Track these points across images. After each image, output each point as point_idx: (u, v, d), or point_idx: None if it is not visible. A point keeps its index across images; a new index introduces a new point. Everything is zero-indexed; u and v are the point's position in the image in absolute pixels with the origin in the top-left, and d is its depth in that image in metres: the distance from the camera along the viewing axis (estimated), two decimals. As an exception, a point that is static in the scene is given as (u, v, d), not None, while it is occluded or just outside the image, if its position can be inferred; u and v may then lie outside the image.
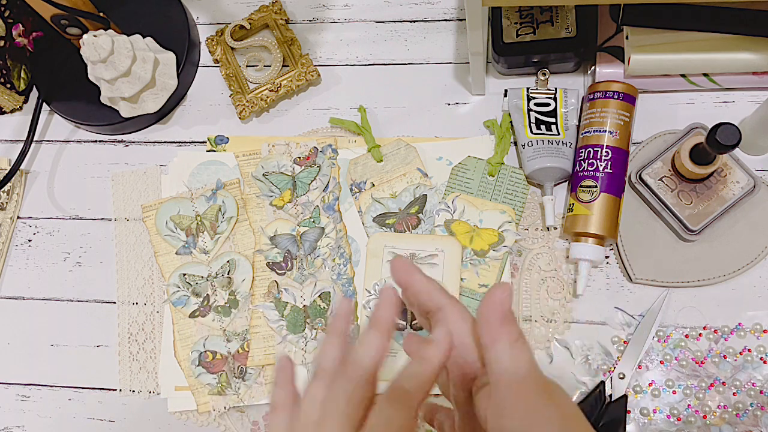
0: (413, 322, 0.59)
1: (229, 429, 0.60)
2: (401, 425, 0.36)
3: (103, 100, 0.66)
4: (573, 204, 0.58)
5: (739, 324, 0.57)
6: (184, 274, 0.63)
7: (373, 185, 0.64)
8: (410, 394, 0.36)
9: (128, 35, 0.64)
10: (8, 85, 0.70)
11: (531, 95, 0.62)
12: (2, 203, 0.69)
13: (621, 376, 0.56)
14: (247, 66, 0.69)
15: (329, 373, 0.38)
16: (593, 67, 0.62)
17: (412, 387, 0.36)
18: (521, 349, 0.35)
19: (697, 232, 0.56)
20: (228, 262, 0.63)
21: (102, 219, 0.68)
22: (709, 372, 0.56)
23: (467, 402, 0.39)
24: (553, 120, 0.61)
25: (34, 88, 0.73)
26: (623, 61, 0.61)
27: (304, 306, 0.61)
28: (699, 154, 0.55)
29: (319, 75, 0.67)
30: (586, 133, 0.59)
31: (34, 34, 0.72)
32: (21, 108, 0.74)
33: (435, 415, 0.47)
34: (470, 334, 0.38)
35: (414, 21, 0.69)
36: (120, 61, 0.62)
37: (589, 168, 0.58)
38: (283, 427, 0.38)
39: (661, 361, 0.57)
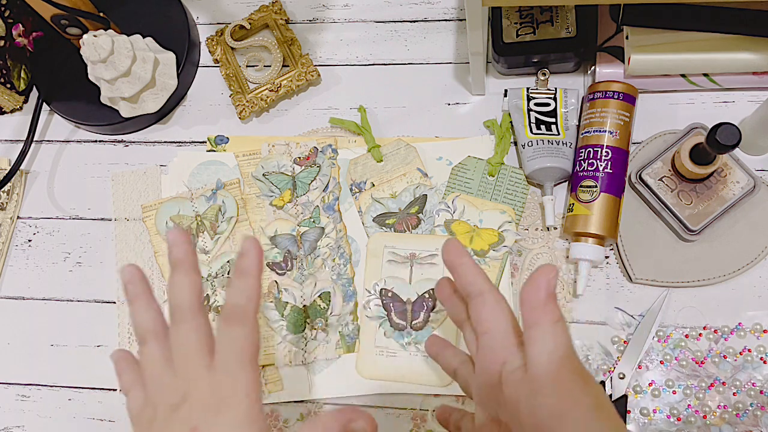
0: (413, 322, 0.59)
1: (229, 429, 0.60)
2: (245, 338, 0.36)
3: (103, 100, 0.66)
4: (573, 204, 0.58)
5: (739, 324, 0.57)
6: (184, 274, 0.63)
7: (373, 185, 0.64)
8: (243, 308, 0.37)
9: (128, 35, 0.64)
10: (8, 85, 0.70)
11: (531, 95, 0.62)
12: (2, 203, 0.69)
13: (621, 376, 0.56)
14: (247, 66, 0.69)
15: (151, 332, 0.39)
16: (593, 67, 0.62)
17: (241, 301, 0.37)
18: (562, 330, 0.36)
19: (697, 232, 0.56)
20: (228, 262, 0.63)
21: (102, 219, 0.68)
22: (709, 372, 0.56)
23: (489, 395, 0.40)
24: (553, 120, 0.61)
25: (34, 88, 0.73)
26: (623, 61, 0.61)
27: (304, 306, 0.61)
28: (699, 154, 0.55)
29: (319, 75, 0.67)
30: (586, 133, 0.59)
31: (34, 34, 0.72)
32: (21, 108, 0.74)
33: (451, 416, 0.48)
34: (504, 321, 0.40)
35: (414, 21, 0.69)
36: (120, 61, 0.62)
37: (589, 168, 0.58)
38: (140, 400, 0.38)
39: (661, 361, 0.57)
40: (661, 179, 0.58)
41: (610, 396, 0.56)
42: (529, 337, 0.36)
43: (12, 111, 0.73)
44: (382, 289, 0.60)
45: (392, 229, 0.62)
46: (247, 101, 0.67)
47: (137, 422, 0.38)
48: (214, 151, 0.68)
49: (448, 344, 0.49)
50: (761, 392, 0.55)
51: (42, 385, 0.65)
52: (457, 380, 0.47)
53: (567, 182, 0.62)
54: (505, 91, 0.63)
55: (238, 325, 0.36)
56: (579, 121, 0.61)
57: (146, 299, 0.40)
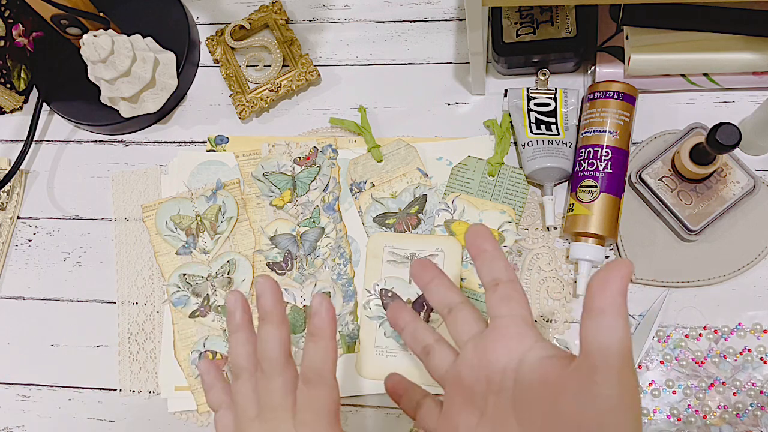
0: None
1: (229, 429, 0.60)
2: (324, 399, 0.38)
3: (103, 100, 0.66)
4: (573, 204, 0.58)
5: (739, 324, 0.57)
6: (184, 274, 0.64)
7: (373, 185, 0.64)
8: (319, 370, 0.38)
9: (128, 35, 0.64)
10: (8, 85, 0.70)
11: (531, 95, 0.62)
12: (2, 203, 0.69)
13: (621, 376, 0.56)
14: (247, 66, 0.69)
15: (246, 368, 0.40)
16: (593, 67, 0.62)
17: (317, 363, 0.38)
18: (627, 325, 0.33)
19: (697, 232, 0.56)
20: (228, 262, 0.63)
21: (102, 219, 0.68)
22: (709, 372, 0.56)
23: (487, 384, 0.38)
24: (553, 120, 0.61)
25: (34, 88, 0.73)
26: (623, 61, 0.61)
27: (304, 306, 0.61)
28: (699, 154, 0.55)
29: (319, 75, 0.67)
30: (586, 133, 0.59)
31: (34, 34, 0.72)
32: (21, 108, 0.74)
33: (406, 393, 0.45)
34: (525, 308, 0.39)
35: (414, 21, 0.69)
36: (120, 61, 0.62)
37: (589, 168, 0.58)
38: (231, 426, 0.41)
39: (661, 361, 0.57)
40: (661, 179, 0.58)
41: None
42: (596, 325, 0.32)
43: (12, 111, 0.73)
44: (382, 289, 0.60)
45: (392, 229, 0.62)
46: (247, 101, 0.67)
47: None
48: (214, 151, 0.68)
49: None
50: (761, 392, 0.55)
51: (42, 385, 0.65)
52: (418, 414, 0.44)
53: (567, 182, 0.62)
54: (505, 91, 0.63)
55: (317, 387, 0.38)
56: (579, 121, 0.61)
57: (247, 333, 0.42)
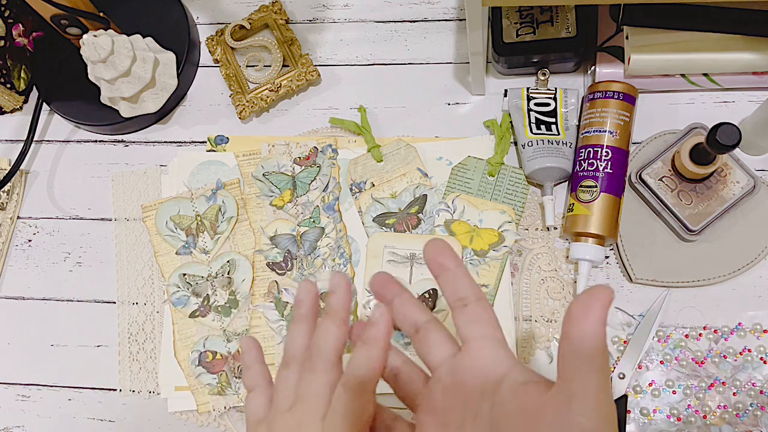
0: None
1: (229, 429, 0.60)
2: (359, 410, 0.37)
3: (103, 100, 0.66)
4: (573, 204, 0.58)
5: (739, 324, 0.57)
6: (184, 274, 0.64)
7: (373, 185, 0.64)
8: (363, 378, 0.38)
9: (128, 35, 0.64)
10: (8, 85, 0.70)
11: (531, 95, 0.62)
12: (2, 203, 0.69)
13: (621, 376, 0.56)
14: (247, 66, 0.69)
15: (297, 359, 0.40)
16: (593, 67, 0.62)
17: (363, 371, 0.38)
18: (607, 354, 0.33)
19: (697, 232, 0.56)
20: (228, 262, 0.63)
21: (102, 219, 0.68)
22: (709, 372, 0.56)
23: (465, 404, 0.37)
24: (553, 120, 0.61)
25: (34, 88, 0.73)
26: (623, 61, 0.61)
27: (304, 306, 0.61)
28: (699, 154, 0.55)
29: (319, 75, 0.67)
30: (586, 133, 0.59)
31: (34, 34, 0.72)
32: (21, 108, 0.74)
33: (380, 415, 0.44)
34: (496, 329, 0.38)
35: (414, 21, 0.69)
36: (120, 61, 0.62)
37: (589, 168, 0.58)
38: (261, 409, 0.41)
39: (661, 361, 0.57)
40: (661, 179, 0.58)
41: (610, 396, 0.56)
42: (575, 352, 0.32)
43: (12, 111, 0.73)
44: (382, 289, 0.60)
45: (392, 229, 0.62)
46: (247, 101, 0.67)
47: (252, 427, 0.40)
48: (214, 151, 0.68)
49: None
50: (761, 392, 0.55)
51: (42, 385, 0.65)
52: (398, 383, 0.43)
53: (567, 182, 0.62)
54: (505, 91, 0.63)
55: (356, 396, 0.37)
56: (579, 121, 0.61)
57: (309, 325, 0.41)
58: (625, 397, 0.55)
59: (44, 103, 0.70)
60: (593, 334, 0.31)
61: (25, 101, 0.74)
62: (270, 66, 0.68)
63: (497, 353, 0.37)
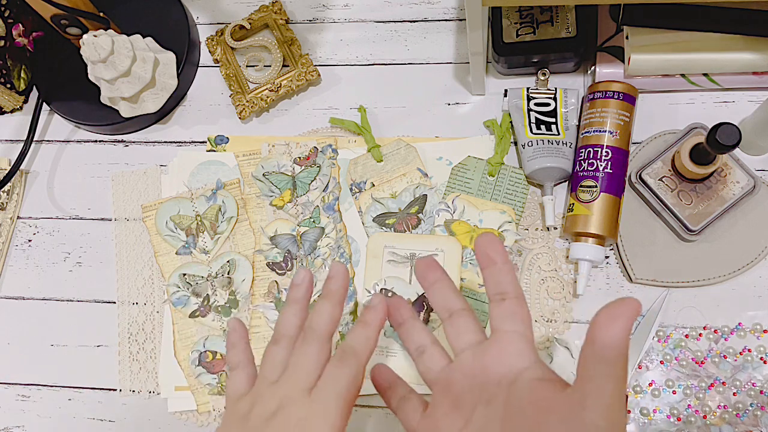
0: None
1: (229, 429, 0.60)
2: (349, 380, 0.40)
3: (103, 100, 0.66)
4: (573, 204, 0.58)
5: (739, 324, 0.57)
6: (184, 274, 0.64)
7: (373, 185, 0.64)
8: (356, 353, 0.41)
9: (128, 35, 0.64)
10: (8, 85, 0.70)
11: (531, 95, 0.62)
12: (2, 203, 0.69)
13: (621, 376, 0.56)
14: (247, 66, 0.69)
15: (287, 337, 0.42)
16: (593, 67, 0.62)
17: (357, 346, 0.41)
18: (626, 362, 0.34)
19: (697, 232, 0.56)
20: (228, 262, 0.63)
21: (102, 219, 0.68)
22: (709, 372, 0.56)
23: (481, 391, 0.39)
24: (553, 120, 0.61)
25: (34, 88, 0.73)
26: (623, 61, 0.61)
27: (304, 306, 0.61)
28: (699, 154, 0.55)
29: (319, 75, 0.67)
30: (586, 133, 0.59)
31: (34, 34, 0.72)
32: (21, 108, 0.74)
33: (392, 387, 0.45)
34: (525, 325, 0.39)
35: (414, 21, 0.69)
36: (120, 61, 0.62)
37: (589, 168, 0.58)
38: (243, 385, 0.42)
39: (661, 361, 0.57)
40: (661, 179, 0.58)
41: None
42: (596, 357, 0.33)
43: (12, 111, 0.73)
44: (382, 289, 0.60)
45: (392, 229, 0.62)
46: (247, 101, 0.67)
47: (231, 407, 0.42)
48: (214, 151, 0.68)
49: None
50: (761, 392, 0.55)
51: (42, 385, 0.65)
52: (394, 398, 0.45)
53: (567, 182, 0.62)
54: (505, 91, 0.63)
55: (347, 366, 0.40)
56: (579, 121, 0.61)
57: (302, 306, 0.44)
58: (625, 397, 0.55)
59: (44, 103, 0.70)
60: (618, 341, 0.32)
61: (25, 101, 0.74)
62: (270, 66, 0.68)
63: (523, 348, 0.39)
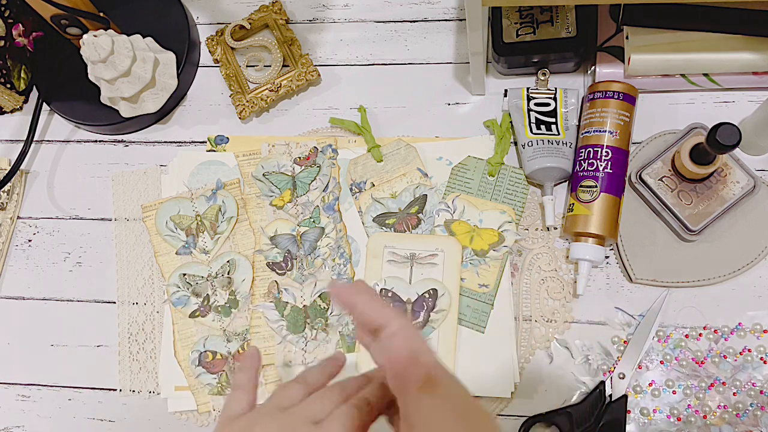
0: (414, 322, 0.59)
1: (229, 429, 0.60)
2: (360, 420, 0.39)
3: (103, 100, 0.66)
4: (573, 204, 0.58)
5: (739, 324, 0.57)
6: (184, 274, 0.64)
7: (373, 185, 0.64)
8: (370, 405, 0.40)
9: (128, 35, 0.64)
10: (8, 85, 0.70)
11: (531, 95, 0.62)
12: (2, 203, 0.69)
13: (621, 376, 0.56)
14: (247, 66, 0.69)
15: (309, 384, 0.42)
16: (593, 67, 0.62)
17: (372, 399, 0.40)
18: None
19: (697, 232, 0.56)
20: (228, 262, 0.63)
21: (102, 219, 0.68)
22: (709, 372, 0.56)
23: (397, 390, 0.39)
24: (553, 120, 0.61)
25: (34, 88, 0.73)
26: (623, 61, 0.61)
27: (304, 306, 0.61)
28: (699, 154, 0.55)
29: (319, 75, 0.67)
30: (586, 133, 0.59)
31: (34, 34, 0.72)
32: (21, 108, 0.74)
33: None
34: (409, 348, 0.38)
35: (414, 21, 0.69)
36: (120, 61, 0.62)
37: (589, 168, 0.58)
38: (240, 407, 0.41)
39: (661, 361, 0.57)
40: (661, 179, 0.58)
41: (610, 396, 0.56)
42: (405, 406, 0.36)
43: (12, 111, 0.73)
44: (382, 289, 0.60)
45: (392, 229, 0.62)
46: (247, 101, 0.67)
47: (225, 426, 0.40)
48: (214, 151, 0.68)
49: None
50: (761, 392, 0.55)
51: (42, 385, 0.65)
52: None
53: (567, 182, 0.62)
54: (505, 91, 0.63)
55: (359, 409, 0.39)
56: (579, 121, 0.61)
57: (247, 389, 0.43)
58: (625, 397, 0.55)
59: (44, 103, 0.70)
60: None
61: (25, 101, 0.74)
62: (270, 66, 0.68)
63: (406, 364, 0.39)
